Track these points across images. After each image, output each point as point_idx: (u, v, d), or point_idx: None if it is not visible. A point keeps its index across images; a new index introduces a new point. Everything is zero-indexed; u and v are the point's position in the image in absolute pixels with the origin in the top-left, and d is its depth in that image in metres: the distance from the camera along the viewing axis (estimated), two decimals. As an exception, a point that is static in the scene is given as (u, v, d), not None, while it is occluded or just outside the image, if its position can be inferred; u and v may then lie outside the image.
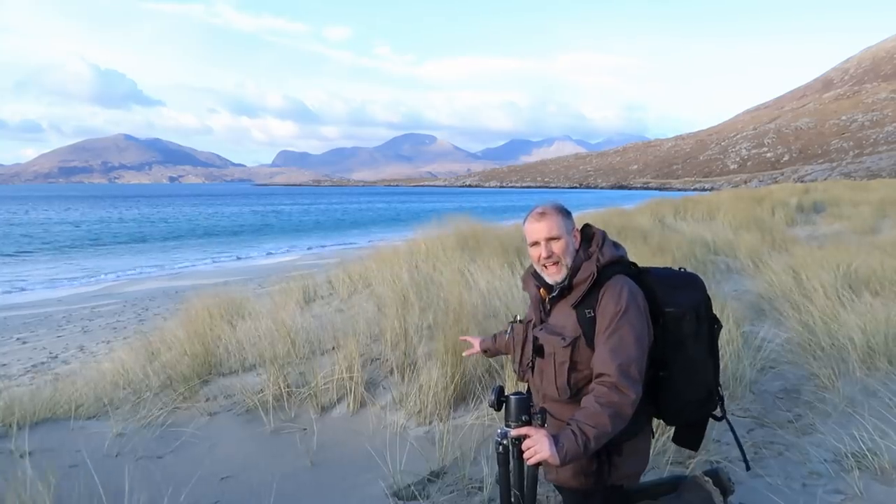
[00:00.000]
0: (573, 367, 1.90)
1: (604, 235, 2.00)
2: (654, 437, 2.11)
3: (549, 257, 1.94)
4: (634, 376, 1.77)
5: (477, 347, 2.66)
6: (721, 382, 2.09)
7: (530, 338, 2.03)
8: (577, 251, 1.97)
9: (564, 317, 1.94)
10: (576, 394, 1.91)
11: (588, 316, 1.88)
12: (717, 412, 2.08)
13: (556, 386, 1.93)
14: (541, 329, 2.00)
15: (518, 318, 2.16)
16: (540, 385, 2.01)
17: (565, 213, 1.99)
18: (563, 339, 1.90)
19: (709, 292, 2.06)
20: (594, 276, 1.88)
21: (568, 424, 1.74)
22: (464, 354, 2.94)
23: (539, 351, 1.98)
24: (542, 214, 1.96)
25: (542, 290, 2.03)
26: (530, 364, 2.03)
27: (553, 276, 1.95)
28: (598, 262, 1.91)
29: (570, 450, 1.68)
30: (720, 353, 2.16)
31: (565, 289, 1.95)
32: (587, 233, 2.03)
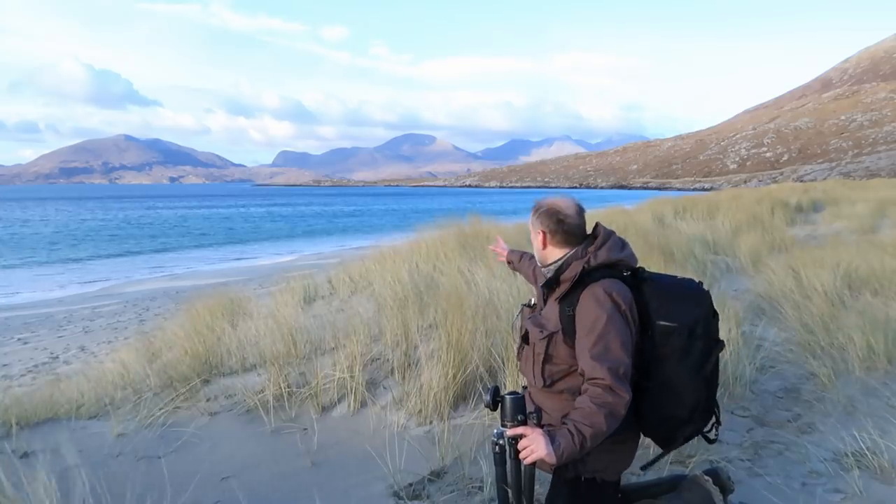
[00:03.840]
0: (548, 359, 1.95)
1: (608, 236, 1.99)
2: (636, 439, 2.08)
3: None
4: (625, 378, 1.79)
5: (503, 254, 2.82)
6: (717, 404, 2.01)
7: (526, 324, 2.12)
8: (582, 247, 1.99)
9: (551, 309, 2.01)
10: (550, 385, 1.97)
11: (568, 314, 1.91)
12: (712, 434, 2.04)
13: (532, 373, 2.02)
14: (530, 317, 2.09)
15: (532, 301, 2.21)
16: (523, 368, 2.10)
17: (534, 213, 2.08)
18: (542, 331, 1.96)
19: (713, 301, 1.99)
20: (576, 276, 1.92)
21: (564, 423, 1.75)
22: (489, 247, 3.06)
23: (525, 338, 2.05)
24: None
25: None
26: (521, 349, 2.11)
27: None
28: (588, 263, 1.92)
29: (567, 448, 1.69)
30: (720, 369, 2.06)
31: (553, 282, 2.00)
32: (594, 231, 2.05)
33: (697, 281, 2.04)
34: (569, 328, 1.89)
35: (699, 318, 1.89)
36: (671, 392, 1.89)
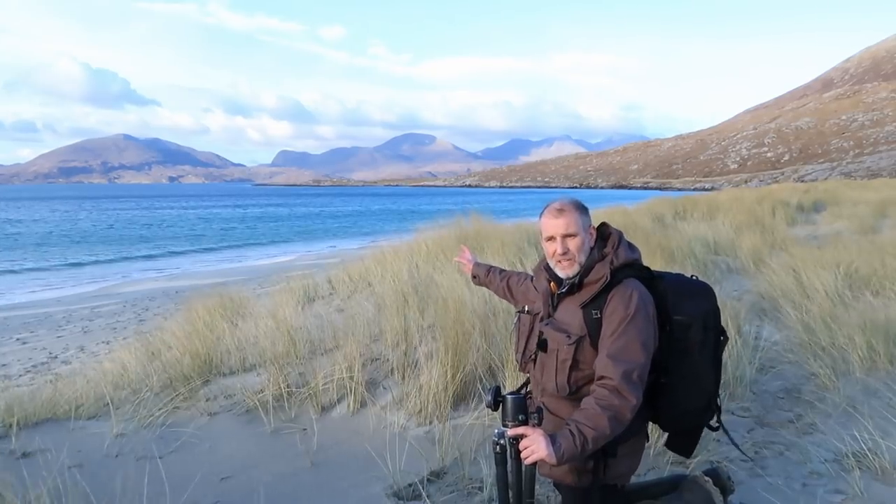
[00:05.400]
0: (575, 365, 1.90)
1: (620, 236, 1.99)
2: (648, 440, 2.10)
3: (564, 253, 1.94)
4: (636, 381, 1.77)
5: (468, 267, 2.76)
6: (720, 393, 2.09)
7: (536, 331, 2.03)
8: (592, 249, 1.97)
9: (571, 314, 1.94)
10: (575, 392, 1.92)
11: (594, 317, 1.88)
12: (714, 422, 2.09)
13: (555, 382, 1.94)
14: (546, 324, 2.00)
15: (526, 308, 2.16)
16: (540, 379, 2.01)
17: (582, 210, 1.99)
18: (569, 336, 1.90)
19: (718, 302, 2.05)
20: (607, 278, 1.87)
21: (567, 424, 1.74)
22: (454, 259, 3.00)
23: (543, 345, 1.98)
24: (561, 211, 1.95)
25: (552, 284, 2.03)
26: (533, 357, 2.03)
27: (565, 270, 1.96)
28: (612, 264, 1.90)
29: (568, 450, 1.68)
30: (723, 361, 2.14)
31: (575, 286, 1.94)
32: (603, 232, 2.02)
33: (693, 276, 2.09)
34: (595, 332, 1.87)
35: (709, 310, 1.97)
36: (692, 383, 1.94)
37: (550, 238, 1.97)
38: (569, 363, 1.90)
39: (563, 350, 1.91)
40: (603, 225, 2.04)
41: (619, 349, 1.79)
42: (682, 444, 2.16)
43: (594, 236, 1.99)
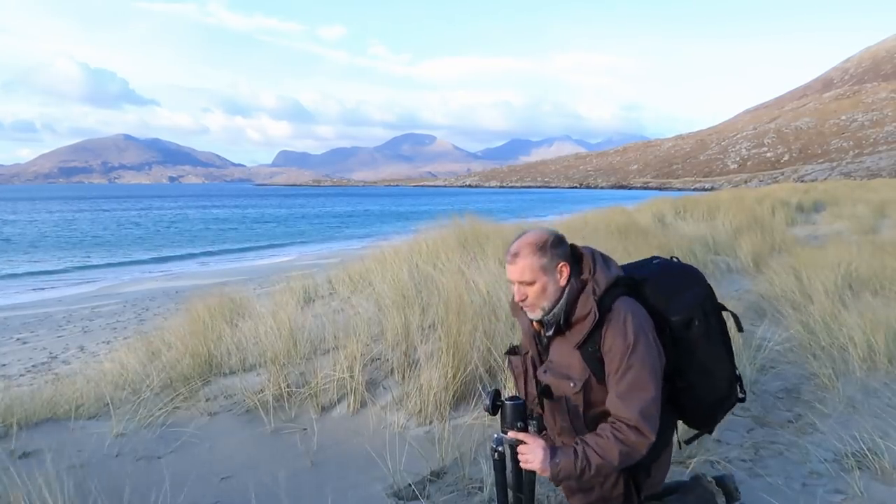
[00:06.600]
0: (588, 407, 1.80)
1: (592, 255, 1.84)
2: (680, 448, 2.05)
3: (523, 300, 1.81)
4: (653, 415, 1.69)
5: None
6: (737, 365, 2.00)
7: (531, 375, 1.93)
8: (567, 283, 1.80)
9: (567, 356, 1.81)
10: (594, 428, 1.79)
11: (596, 356, 1.76)
12: (739, 393, 2.00)
13: (572, 426, 1.83)
14: (545, 371, 1.88)
15: (516, 347, 2.05)
16: (553, 424, 1.91)
17: (542, 250, 1.78)
18: (573, 384, 1.78)
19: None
20: (595, 315, 1.73)
21: (575, 443, 1.68)
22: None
23: (547, 393, 1.86)
24: (516, 256, 1.79)
25: (535, 324, 1.90)
26: (538, 402, 1.90)
27: (530, 314, 1.85)
28: (595, 293, 1.75)
29: (565, 468, 1.63)
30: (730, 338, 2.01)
31: (561, 325, 1.81)
32: (575, 254, 1.85)
33: (673, 258, 2.02)
34: (598, 369, 1.75)
35: (704, 296, 1.90)
36: (709, 376, 1.87)
37: (511, 282, 1.83)
38: (581, 408, 1.79)
39: (571, 398, 1.80)
40: (571, 247, 1.87)
41: (628, 387, 1.69)
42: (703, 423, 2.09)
43: (566, 273, 1.80)
